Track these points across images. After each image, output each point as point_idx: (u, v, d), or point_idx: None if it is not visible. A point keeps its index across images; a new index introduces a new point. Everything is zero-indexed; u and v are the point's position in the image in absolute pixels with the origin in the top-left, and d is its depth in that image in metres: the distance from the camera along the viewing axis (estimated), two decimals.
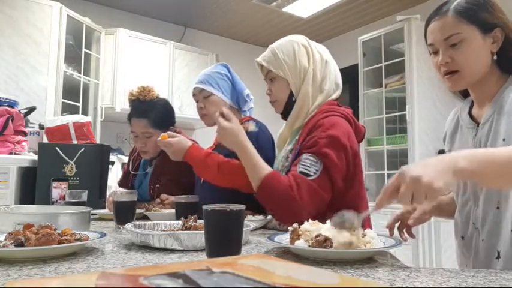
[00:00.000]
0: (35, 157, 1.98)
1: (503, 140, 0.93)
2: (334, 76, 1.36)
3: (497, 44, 0.98)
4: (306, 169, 1.15)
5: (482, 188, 0.99)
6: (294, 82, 1.32)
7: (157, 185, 1.93)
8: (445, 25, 0.99)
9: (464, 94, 1.13)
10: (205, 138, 1.98)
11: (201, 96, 1.69)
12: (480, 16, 0.97)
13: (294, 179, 1.14)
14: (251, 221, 1.22)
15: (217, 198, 1.39)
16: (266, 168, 1.20)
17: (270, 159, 1.46)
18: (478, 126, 1.02)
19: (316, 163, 1.15)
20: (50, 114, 3.12)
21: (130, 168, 2.10)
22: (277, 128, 1.53)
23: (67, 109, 3.38)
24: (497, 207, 0.95)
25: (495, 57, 0.99)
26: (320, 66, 1.32)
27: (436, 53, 1.03)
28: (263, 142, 1.54)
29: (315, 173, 1.14)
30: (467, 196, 1.05)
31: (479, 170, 0.79)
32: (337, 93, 1.37)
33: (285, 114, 1.39)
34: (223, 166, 1.40)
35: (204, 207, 0.76)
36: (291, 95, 1.34)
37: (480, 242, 1.00)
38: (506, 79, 1.01)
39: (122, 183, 2.16)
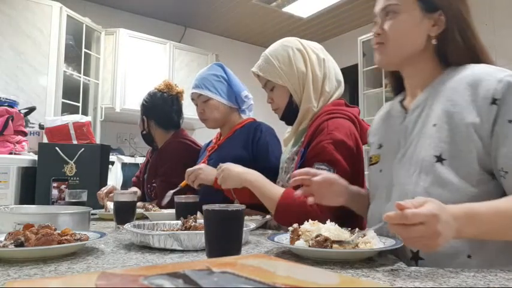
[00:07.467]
0: (35, 157, 1.98)
1: (434, 125, 0.86)
2: (334, 73, 1.34)
3: (438, 28, 0.91)
4: None
5: (396, 185, 0.92)
6: (293, 88, 1.30)
7: (154, 184, 1.96)
8: None
9: (399, 91, 1.08)
10: (206, 138, 1.98)
11: (199, 100, 1.69)
12: None
13: None
14: (251, 221, 1.22)
15: (220, 197, 1.39)
16: (277, 193, 1.19)
17: (271, 165, 1.47)
18: (406, 113, 0.96)
19: (329, 171, 1.14)
20: (50, 114, 3.13)
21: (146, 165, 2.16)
22: (278, 127, 1.52)
23: (67, 109, 3.38)
24: None
25: (434, 41, 0.91)
26: (318, 67, 1.30)
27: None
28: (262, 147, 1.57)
29: None
30: (380, 191, 0.98)
31: (485, 231, 0.76)
32: (339, 91, 1.35)
33: (286, 119, 1.37)
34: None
35: (204, 207, 0.76)
36: (291, 99, 1.32)
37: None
38: (442, 71, 0.93)
39: (137, 180, 2.23)
